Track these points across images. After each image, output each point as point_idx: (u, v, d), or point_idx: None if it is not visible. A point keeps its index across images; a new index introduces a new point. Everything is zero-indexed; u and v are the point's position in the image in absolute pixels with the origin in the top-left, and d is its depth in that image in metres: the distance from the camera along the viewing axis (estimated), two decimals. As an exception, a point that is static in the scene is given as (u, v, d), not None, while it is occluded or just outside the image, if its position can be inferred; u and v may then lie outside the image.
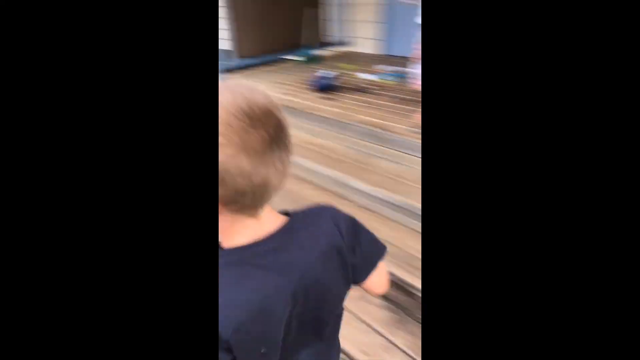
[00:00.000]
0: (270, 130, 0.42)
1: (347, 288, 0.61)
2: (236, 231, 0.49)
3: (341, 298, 0.60)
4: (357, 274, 0.60)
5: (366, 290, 0.66)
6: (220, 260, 0.44)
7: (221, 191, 0.42)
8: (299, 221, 0.55)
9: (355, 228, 0.59)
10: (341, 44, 4.64)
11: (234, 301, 0.45)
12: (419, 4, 2.23)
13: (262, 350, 0.48)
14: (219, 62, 3.37)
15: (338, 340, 0.69)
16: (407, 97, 2.81)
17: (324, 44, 4.59)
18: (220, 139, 0.40)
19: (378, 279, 0.64)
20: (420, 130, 2.02)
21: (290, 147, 0.46)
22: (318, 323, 0.57)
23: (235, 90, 0.43)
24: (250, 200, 0.45)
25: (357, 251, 0.58)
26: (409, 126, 2.28)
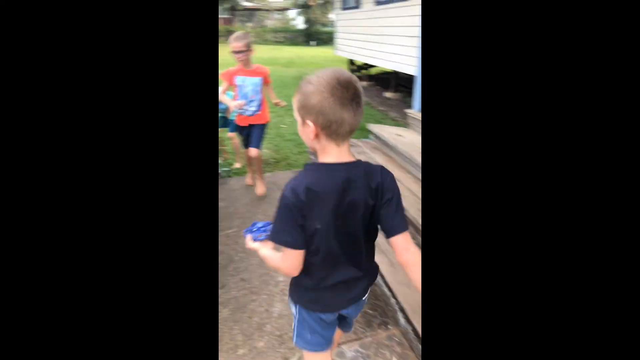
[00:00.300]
0: (349, 92, 0.77)
1: (373, 220, 0.90)
2: (326, 152, 0.84)
3: (366, 224, 0.89)
4: (389, 225, 0.87)
5: (395, 249, 0.87)
6: (310, 166, 0.86)
7: (319, 120, 0.78)
8: (361, 165, 0.87)
9: (396, 188, 0.88)
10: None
11: (308, 180, 0.82)
12: None
13: (318, 226, 0.83)
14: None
15: (373, 268, 1.03)
16: None
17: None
18: (322, 90, 0.76)
19: (405, 243, 0.86)
20: None
21: (362, 105, 0.80)
22: (352, 236, 0.89)
23: (336, 70, 0.79)
24: (334, 129, 0.79)
25: (390, 204, 0.87)
26: None
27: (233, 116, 3.05)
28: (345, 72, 0.80)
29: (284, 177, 3.31)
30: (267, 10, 23.13)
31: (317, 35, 21.97)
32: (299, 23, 24.33)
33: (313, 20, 21.81)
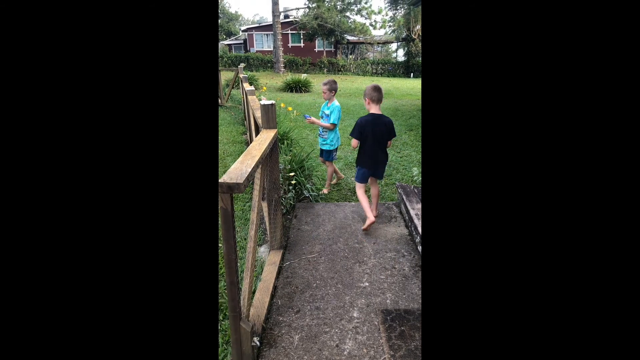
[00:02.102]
0: (375, 87, 2.88)
1: (388, 139, 2.93)
2: (370, 110, 2.86)
3: (386, 141, 2.92)
4: (389, 137, 2.92)
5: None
6: (366, 115, 2.92)
7: (367, 96, 2.88)
8: (383, 115, 2.88)
9: (391, 125, 2.91)
10: None
11: (363, 118, 2.86)
12: None
13: (365, 133, 2.88)
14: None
15: (385, 158, 3.02)
16: None
17: None
18: (368, 87, 2.89)
19: (390, 142, 2.98)
20: None
21: (381, 91, 2.91)
22: (380, 144, 2.90)
23: (373, 84, 2.92)
24: (371, 98, 2.84)
25: (391, 130, 2.90)
26: None
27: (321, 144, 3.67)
28: (376, 83, 2.91)
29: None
30: (370, 43, 23.97)
31: (416, 67, 21.87)
32: (400, 55, 24.59)
33: (414, 53, 21.82)
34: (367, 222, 2.81)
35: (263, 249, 2.68)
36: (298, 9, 21.22)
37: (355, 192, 3.68)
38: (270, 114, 2.29)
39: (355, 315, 1.94)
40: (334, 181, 3.92)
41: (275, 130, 2.30)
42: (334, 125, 3.45)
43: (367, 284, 2.21)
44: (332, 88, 3.47)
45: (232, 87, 9.40)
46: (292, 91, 12.28)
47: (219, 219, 1.35)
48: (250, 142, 4.35)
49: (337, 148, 3.60)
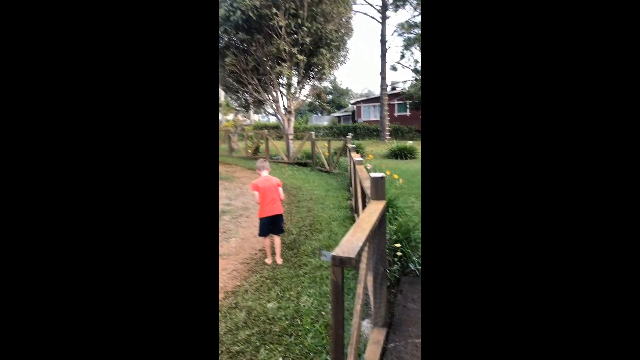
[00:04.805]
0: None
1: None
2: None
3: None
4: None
5: None
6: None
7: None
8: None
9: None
10: None
11: None
12: None
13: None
14: None
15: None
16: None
17: None
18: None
19: None
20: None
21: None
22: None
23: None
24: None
25: None
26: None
27: None
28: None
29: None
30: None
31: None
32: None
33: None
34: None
35: (365, 324, 2.56)
36: (405, 81, 22.21)
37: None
38: (379, 186, 2.34)
39: None
40: None
41: (384, 201, 2.32)
42: None
43: (486, 385, 1.88)
44: None
45: (340, 156, 9.98)
46: (397, 158, 12.40)
47: (331, 293, 1.36)
48: (355, 208, 4.44)
49: None
